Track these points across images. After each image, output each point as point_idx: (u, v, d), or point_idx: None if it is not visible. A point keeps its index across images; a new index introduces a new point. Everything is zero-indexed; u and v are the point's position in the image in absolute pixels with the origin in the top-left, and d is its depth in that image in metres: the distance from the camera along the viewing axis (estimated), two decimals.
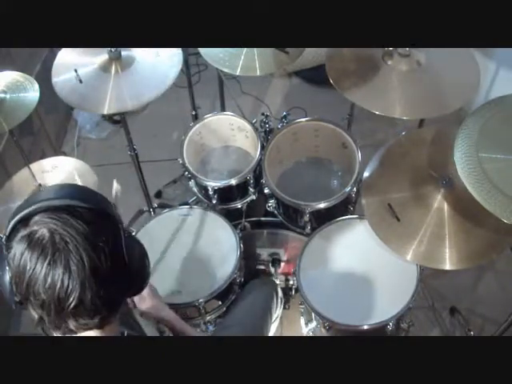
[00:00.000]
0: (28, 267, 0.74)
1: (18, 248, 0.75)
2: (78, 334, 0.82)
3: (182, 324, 1.36)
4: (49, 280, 0.73)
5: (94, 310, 0.77)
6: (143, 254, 0.90)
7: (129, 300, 1.33)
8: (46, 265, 0.73)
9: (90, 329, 0.82)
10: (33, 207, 0.77)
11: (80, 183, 1.74)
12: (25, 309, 0.79)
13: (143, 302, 1.30)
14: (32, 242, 0.74)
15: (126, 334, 0.99)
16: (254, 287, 1.70)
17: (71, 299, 0.74)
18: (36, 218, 0.76)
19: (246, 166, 1.83)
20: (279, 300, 1.76)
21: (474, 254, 1.38)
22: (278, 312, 1.75)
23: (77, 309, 0.75)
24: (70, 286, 0.74)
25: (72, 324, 0.78)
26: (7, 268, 0.77)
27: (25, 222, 0.77)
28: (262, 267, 1.89)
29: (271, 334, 1.69)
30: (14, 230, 0.77)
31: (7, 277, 0.78)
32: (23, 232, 0.76)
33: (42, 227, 0.75)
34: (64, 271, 0.73)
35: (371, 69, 1.66)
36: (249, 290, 1.68)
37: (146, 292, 1.33)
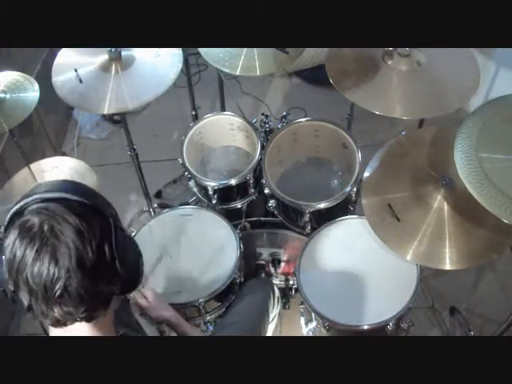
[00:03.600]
0: (18, 254, 0.77)
1: (11, 236, 0.78)
2: (71, 327, 0.83)
3: (184, 325, 1.37)
4: (36, 267, 0.76)
5: (79, 300, 0.79)
6: (137, 253, 0.92)
7: (135, 303, 1.35)
8: (34, 252, 0.76)
9: (77, 320, 0.83)
10: (28, 199, 0.81)
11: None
12: (16, 297, 0.81)
13: (145, 300, 1.33)
14: (23, 231, 0.78)
15: (126, 334, 0.99)
16: (251, 287, 1.70)
17: (57, 287, 0.76)
18: (29, 208, 0.80)
19: (245, 165, 1.83)
20: (276, 300, 1.75)
21: (474, 254, 1.38)
22: (275, 312, 1.75)
23: (62, 297, 0.77)
24: (56, 274, 0.76)
25: (58, 312, 0.79)
26: (3, 257, 0.80)
27: (20, 213, 0.80)
28: (262, 267, 1.89)
29: (269, 333, 1.69)
30: (11, 220, 0.81)
31: (4, 266, 0.81)
32: (17, 222, 0.79)
33: (33, 217, 0.78)
34: (51, 259, 0.76)
35: (371, 69, 1.66)
36: (246, 290, 1.68)
37: (148, 292, 1.35)
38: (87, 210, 0.81)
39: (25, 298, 0.80)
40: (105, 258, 0.81)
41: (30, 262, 0.76)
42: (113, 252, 0.82)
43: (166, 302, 1.41)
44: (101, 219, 0.82)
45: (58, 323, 0.82)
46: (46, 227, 0.77)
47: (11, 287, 0.81)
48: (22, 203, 0.81)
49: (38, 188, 0.84)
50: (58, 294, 0.77)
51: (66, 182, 0.88)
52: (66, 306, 0.79)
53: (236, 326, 1.50)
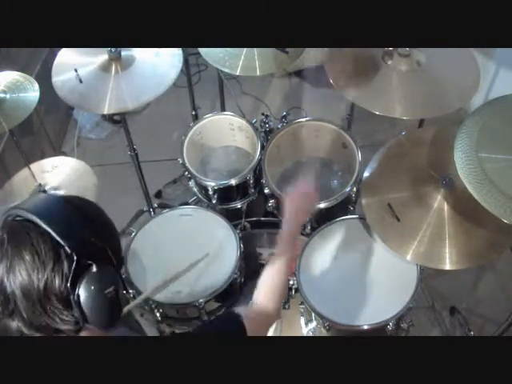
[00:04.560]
0: None
1: None
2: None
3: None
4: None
5: (29, 324, 0.81)
6: (111, 294, 0.85)
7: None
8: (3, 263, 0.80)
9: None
10: (12, 211, 0.84)
11: (79, 183, 1.74)
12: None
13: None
14: None
15: (125, 334, 0.99)
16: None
17: (10, 303, 0.79)
18: (6, 221, 0.84)
19: (246, 165, 1.83)
20: None
21: (474, 254, 1.38)
22: None
23: (14, 314, 0.80)
24: (9, 291, 0.79)
25: (15, 325, 0.81)
26: None
27: (3, 222, 0.84)
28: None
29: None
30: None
31: None
32: None
33: (3, 231, 0.81)
34: (8, 275, 0.79)
35: (371, 69, 1.66)
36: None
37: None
38: (51, 243, 0.80)
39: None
40: (53, 293, 0.79)
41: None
42: (67, 288, 0.79)
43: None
44: (64, 254, 0.79)
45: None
46: (4, 245, 0.80)
47: None
48: (5, 215, 0.84)
49: (25, 202, 0.86)
50: (10, 309, 0.80)
51: (52, 202, 0.87)
52: (19, 322, 0.81)
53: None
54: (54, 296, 0.79)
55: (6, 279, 0.78)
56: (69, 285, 0.79)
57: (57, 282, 0.79)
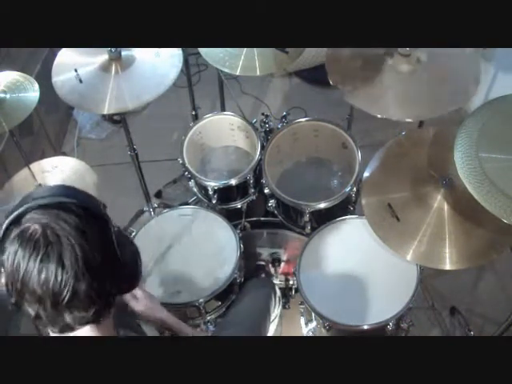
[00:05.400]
0: (22, 265, 0.75)
1: (11, 248, 0.76)
2: (75, 331, 0.83)
3: (180, 325, 1.35)
4: (43, 275, 0.75)
5: (89, 302, 0.79)
6: (134, 251, 0.92)
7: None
8: (38, 260, 0.75)
9: (87, 323, 0.83)
10: (24, 207, 0.79)
11: (80, 183, 1.74)
12: (19, 310, 0.80)
13: (138, 303, 1.29)
14: (24, 240, 0.76)
15: (126, 335, 0.99)
16: (252, 287, 1.70)
17: (65, 292, 0.76)
18: (27, 216, 0.78)
19: (246, 165, 1.83)
20: (277, 299, 1.75)
21: (474, 254, 1.38)
22: (276, 311, 1.74)
23: (72, 302, 0.77)
24: (64, 279, 0.75)
25: (68, 317, 0.79)
26: (2, 270, 0.78)
27: (17, 222, 0.78)
28: (262, 267, 1.89)
29: (270, 333, 1.69)
30: (7, 231, 0.79)
31: (2, 279, 0.79)
32: (15, 231, 0.77)
33: (33, 224, 0.77)
34: (57, 265, 0.75)
35: (371, 69, 1.66)
36: (247, 290, 1.68)
37: (140, 293, 1.31)
38: (86, 211, 0.81)
39: (32, 309, 0.78)
40: (109, 258, 0.81)
41: (35, 271, 0.75)
42: (115, 251, 0.82)
43: (159, 303, 1.37)
44: (100, 220, 0.83)
45: (68, 328, 0.81)
46: (48, 232, 0.76)
47: (13, 300, 0.79)
48: (17, 212, 0.79)
49: (32, 195, 0.83)
50: (67, 299, 0.76)
51: (58, 186, 0.87)
52: (76, 311, 0.78)
53: (237, 327, 1.50)
54: (108, 261, 0.81)
55: (60, 272, 0.75)
56: (115, 243, 0.82)
57: (108, 247, 0.82)
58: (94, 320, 0.83)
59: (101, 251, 0.79)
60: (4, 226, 0.79)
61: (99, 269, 0.78)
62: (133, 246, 0.92)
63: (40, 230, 0.76)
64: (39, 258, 0.75)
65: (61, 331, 0.82)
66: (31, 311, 0.79)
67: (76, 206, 0.80)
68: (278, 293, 1.78)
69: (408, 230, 1.43)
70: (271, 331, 1.71)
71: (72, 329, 0.82)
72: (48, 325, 0.80)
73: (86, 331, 0.85)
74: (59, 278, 0.75)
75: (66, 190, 0.85)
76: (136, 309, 1.30)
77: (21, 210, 0.78)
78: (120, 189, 2.47)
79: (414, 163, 1.54)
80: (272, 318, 1.70)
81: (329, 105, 2.46)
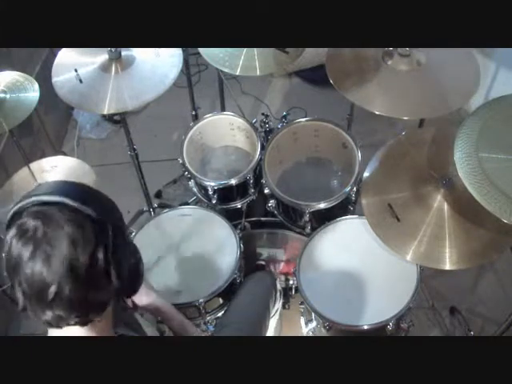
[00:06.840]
0: (15, 252, 0.78)
1: (10, 233, 0.79)
2: (66, 329, 0.83)
3: (180, 318, 1.34)
4: (29, 269, 0.77)
5: (70, 306, 0.79)
6: (137, 260, 0.92)
7: (129, 301, 1.32)
8: (29, 254, 0.77)
9: (69, 324, 0.83)
10: (28, 200, 0.81)
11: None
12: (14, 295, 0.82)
13: (139, 298, 1.29)
14: (19, 231, 0.78)
15: (126, 335, 0.99)
16: (252, 282, 1.70)
17: (49, 291, 0.77)
18: (29, 210, 0.80)
19: (246, 165, 1.83)
20: (278, 294, 1.75)
21: (474, 254, 1.38)
22: (276, 306, 1.74)
23: (54, 301, 0.78)
24: (49, 279, 0.77)
25: (49, 315, 0.80)
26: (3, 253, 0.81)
27: (19, 213, 0.81)
28: (262, 267, 1.89)
29: (270, 328, 1.69)
30: (13, 217, 0.82)
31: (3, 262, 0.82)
32: (17, 221, 0.80)
33: (29, 220, 0.79)
34: (44, 263, 0.76)
35: (371, 69, 1.66)
36: (247, 285, 1.67)
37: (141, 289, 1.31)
38: (84, 217, 0.81)
39: (20, 299, 0.80)
40: (98, 267, 0.81)
41: (24, 262, 0.77)
42: (108, 260, 0.82)
43: (159, 297, 1.33)
44: (98, 226, 0.82)
45: (51, 325, 0.82)
46: (39, 232, 0.77)
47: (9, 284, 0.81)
48: (21, 203, 0.81)
49: (40, 189, 0.84)
50: (50, 297, 0.77)
51: (67, 184, 0.88)
52: (57, 310, 0.79)
53: (238, 324, 1.50)
54: (97, 270, 0.80)
55: (45, 270, 0.76)
56: (110, 257, 0.82)
57: (101, 256, 0.81)
58: (79, 322, 0.83)
59: (90, 260, 0.79)
60: (10, 214, 0.83)
61: (85, 276, 0.78)
62: (136, 253, 0.93)
63: (33, 228, 0.78)
64: (29, 252, 0.77)
65: (47, 326, 0.83)
66: (20, 301, 0.81)
67: (76, 210, 0.80)
68: (279, 286, 1.78)
69: (408, 230, 1.43)
70: (271, 326, 1.71)
71: (57, 326, 0.82)
72: (32, 317, 0.81)
73: (81, 331, 0.86)
74: (44, 276, 0.76)
75: (74, 190, 0.86)
76: (137, 302, 1.29)
77: (26, 201, 0.81)
78: (120, 189, 2.46)
79: (414, 163, 1.54)
80: (272, 312, 1.70)
81: (329, 105, 2.46)
